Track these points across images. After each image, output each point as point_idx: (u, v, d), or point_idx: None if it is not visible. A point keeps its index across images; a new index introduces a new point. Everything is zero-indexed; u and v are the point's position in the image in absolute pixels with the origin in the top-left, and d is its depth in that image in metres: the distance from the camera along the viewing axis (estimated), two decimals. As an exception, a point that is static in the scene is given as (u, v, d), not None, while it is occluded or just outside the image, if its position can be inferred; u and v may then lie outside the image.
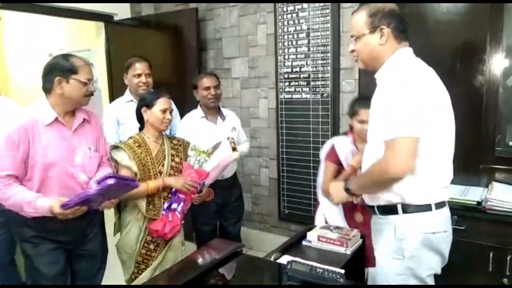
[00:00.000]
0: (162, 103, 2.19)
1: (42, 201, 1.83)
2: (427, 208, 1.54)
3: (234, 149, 2.52)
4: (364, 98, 2.38)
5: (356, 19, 1.60)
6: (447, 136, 1.56)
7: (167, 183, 2.16)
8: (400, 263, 1.57)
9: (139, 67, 2.80)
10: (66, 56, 1.93)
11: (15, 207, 1.85)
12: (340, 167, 2.33)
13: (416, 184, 1.51)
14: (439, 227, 1.57)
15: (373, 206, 1.69)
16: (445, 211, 1.60)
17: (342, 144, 2.36)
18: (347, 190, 1.73)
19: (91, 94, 1.97)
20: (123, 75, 2.87)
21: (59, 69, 1.87)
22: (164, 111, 2.19)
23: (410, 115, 1.42)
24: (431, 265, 1.58)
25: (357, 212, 2.28)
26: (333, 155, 2.37)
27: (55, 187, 1.90)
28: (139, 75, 2.79)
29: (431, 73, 1.56)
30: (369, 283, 1.88)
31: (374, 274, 1.72)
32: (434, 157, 1.52)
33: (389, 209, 1.59)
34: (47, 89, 1.91)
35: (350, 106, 2.38)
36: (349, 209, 2.28)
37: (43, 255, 1.95)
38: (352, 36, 1.63)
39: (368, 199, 1.70)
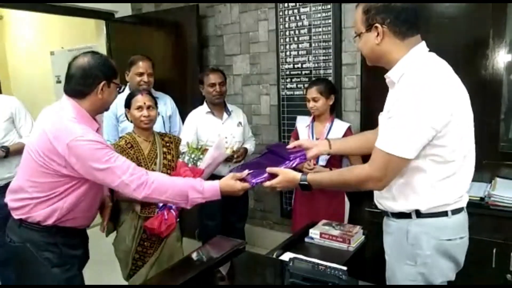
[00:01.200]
0: (136, 101, 2.19)
1: (208, 183, 1.73)
2: (443, 214, 1.44)
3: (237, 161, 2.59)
4: (315, 79, 2.87)
5: (355, 16, 1.50)
6: (469, 139, 1.48)
7: None
8: (412, 268, 1.47)
9: (142, 65, 2.79)
10: (103, 57, 1.75)
11: (177, 197, 1.69)
12: None
13: (434, 197, 1.43)
14: (455, 234, 1.47)
15: (384, 210, 1.61)
16: (462, 216, 1.50)
17: (301, 121, 2.76)
18: (303, 185, 1.61)
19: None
20: (124, 71, 2.87)
21: (104, 73, 1.69)
22: (138, 109, 2.18)
23: (416, 136, 1.33)
24: (445, 272, 1.48)
25: None
26: (295, 132, 2.76)
27: (94, 197, 1.79)
28: (141, 74, 2.78)
29: (449, 75, 1.43)
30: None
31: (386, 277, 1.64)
32: (462, 164, 1.45)
33: (401, 213, 1.50)
34: (83, 92, 1.68)
35: None
36: None
37: (75, 276, 1.79)
38: (354, 33, 1.54)
39: (380, 205, 1.61)
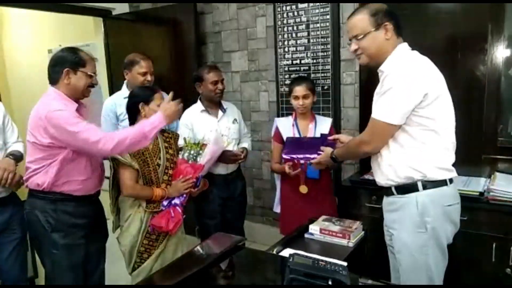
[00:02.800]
0: (158, 98, 2.23)
1: (153, 118, 2.06)
2: (443, 183, 1.71)
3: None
4: (299, 77, 2.87)
5: (357, 20, 1.75)
6: (450, 116, 1.74)
7: (169, 193, 2.22)
8: (423, 235, 1.71)
9: (145, 65, 2.78)
10: (74, 50, 2.07)
11: (137, 137, 1.98)
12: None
13: (434, 160, 1.69)
14: (454, 200, 1.75)
15: (388, 188, 1.80)
16: (454, 185, 1.79)
17: (283, 123, 2.68)
18: (332, 158, 2.00)
19: (93, 85, 2.12)
20: (122, 70, 2.85)
21: (68, 61, 2.02)
22: (159, 106, 2.19)
23: (398, 105, 1.62)
24: (448, 234, 1.75)
25: (302, 185, 2.54)
26: (277, 135, 2.67)
27: (89, 171, 2.10)
28: (145, 73, 2.77)
29: (426, 62, 1.72)
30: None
31: (394, 252, 1.84)
32: (444, 135, 1.70)
33: (408, 188, 1.73)
34: (54, 79, 2.04)
35: (288, 86, 2.71)
36: (294, 183, 2.56)
37: (75, 245, 2.08)
38: (355, 36, 1.76)
39: (386, 180, 1.79)
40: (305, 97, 2.54)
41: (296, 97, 2.55)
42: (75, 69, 2.02)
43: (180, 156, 2.32)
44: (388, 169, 1.76)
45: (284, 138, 2.59)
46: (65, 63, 2.01)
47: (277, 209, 2.82)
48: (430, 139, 1.67)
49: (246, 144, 2.91)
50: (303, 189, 2.53)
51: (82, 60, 2.04)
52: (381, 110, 1.66)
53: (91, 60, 2.09)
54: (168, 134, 2.37)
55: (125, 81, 2.85)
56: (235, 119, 2.85)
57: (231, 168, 2.80)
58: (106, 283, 2.44)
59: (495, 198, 2.18)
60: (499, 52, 2.43)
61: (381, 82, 1.71)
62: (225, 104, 2.88)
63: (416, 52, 1.74)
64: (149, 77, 2.78)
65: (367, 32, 1.72)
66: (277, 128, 2.67)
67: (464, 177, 2.43)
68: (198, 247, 1.92)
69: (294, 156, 2.27)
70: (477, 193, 2.25)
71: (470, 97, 2.48)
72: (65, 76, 2.01)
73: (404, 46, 1.75)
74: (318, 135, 2.52)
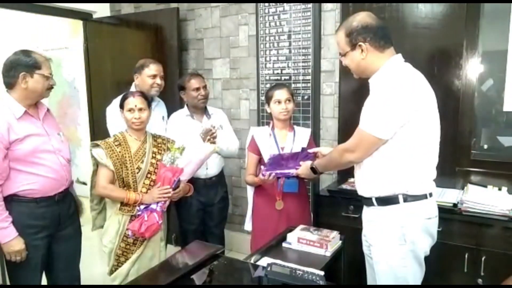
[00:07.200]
0: (128, 103, 2.25)
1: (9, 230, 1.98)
2: (423, 197, 1.72)
3: (213, 142, 2.51)
4: (278, 83, 2.80)
5: (338, 39, 1.77)
6: (436, 132, 1.75)
7: (144, 200, 2.19)
8: (403, 248, 1.71)
9: (155, 68, 2.77)
10: (27, 52, 2.03)
11: None
12: (261, 157, 2.50)
13: (417, 175, 1.70)
14: (432, 213, 1.77)
15: (369, 198, 1.78)
16: (433, 199, 1.80)
17: (259, 133, 2.55)
18: (312, 169, 2.04)
19: (51, 87, 2.11)
20: (133, 74, 2.80)
21: (23, 65, 1.98)
22: (130, 111, 2.23)
23: (388, 120, 1.61)
24: (426, 247, 1.77)
25: (278, 201, 2.46)
26: (253, 145, 2.54)
27: (44, 173, 2.04)
28: (154, 76, 2.76)
29: (419, 77, 1.71)
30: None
31: (371, 262, 1.85)
32: (429, 150, 1.72)
33: (389, 200, 1.73)
34: (10, 84, 2.00)
35: (265, 95, 2.57)
36: (269, 198, 2.49)
37: (36, 244, 2.06)
38: (340, 54, 1.80)
39: (368, 191, 1.78)
40: (287, 101, 2.43)
41: (279, 101, 2.42)
42: (31, 72, 1.98)
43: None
44: (370, 180, 1.76)
45: (260, 149, 2.49)
46: (20, 67, 1.97)
47: (248, 226, 2.69)
48: (415, 154, 1.67)
49: (228, 143, 2.80)
50: (279, 205, 2.46)
51: (37, 62, 2.00)
52: (370, 122, 1.65)
53: (46, 61, 2.05)
54: (162, 140, 2.38)
55: (133, 83, 2.82)
56: (220, 126, 2.85)
57: (211, 172, 2.79)
58: (83, 283, 2.42)
59: (468, 209, 2.23)
60: (473, 68, 2.51)
61: (372, 94, 1.70)
62: (211, 110, 2.88)
63: (409, 65, 1.73)
64: (158, 80, 2.77)
65: (346, 52, 1.75)
66: (253, 138, 2.55)
67: (439, 188, 2.46)
68: (176, 256, 1.90)
69: (273, 172, 2.26)
70: (451, 204, 2.30)
71: (446, 110, 2.53)
72: (22, 81, 1.97)
73: (397, 58, 1.73)
74: (296, 145, 2.46)
